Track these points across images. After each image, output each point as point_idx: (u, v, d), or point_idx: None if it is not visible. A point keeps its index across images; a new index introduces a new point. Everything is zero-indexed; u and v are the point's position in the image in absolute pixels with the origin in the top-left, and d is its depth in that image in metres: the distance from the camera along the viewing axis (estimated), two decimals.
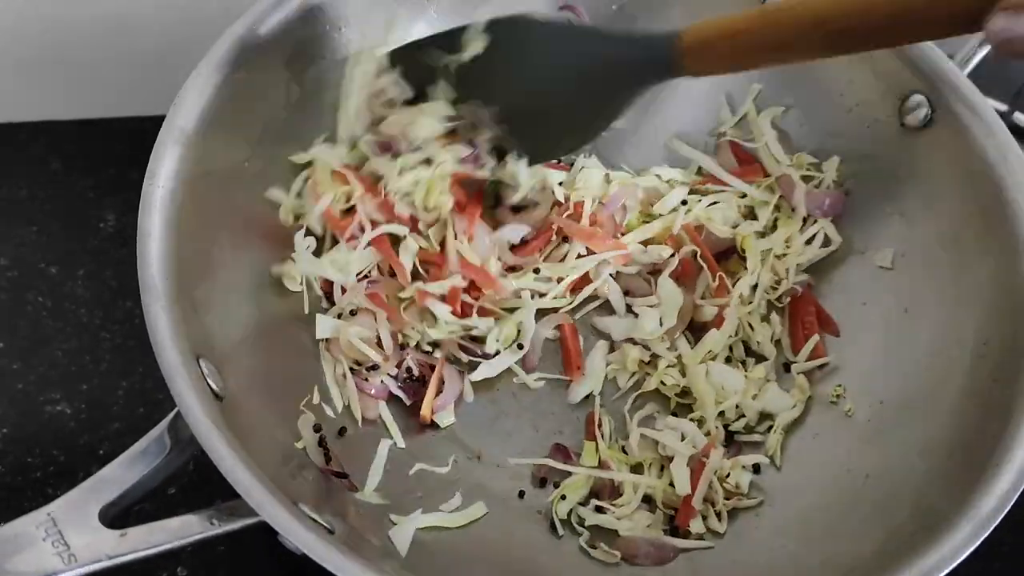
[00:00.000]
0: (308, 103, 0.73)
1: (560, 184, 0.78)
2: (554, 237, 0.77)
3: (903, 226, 0.74)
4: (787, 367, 0.76)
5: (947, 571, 0.55)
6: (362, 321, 0.71)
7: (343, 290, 0.72)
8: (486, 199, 0.74)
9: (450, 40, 0.68)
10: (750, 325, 0.76)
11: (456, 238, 0.72)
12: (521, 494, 0.71)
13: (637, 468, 0.71)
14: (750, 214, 0.80)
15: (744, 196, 0.80)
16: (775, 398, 0.73)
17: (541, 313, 0.76)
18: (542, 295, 0.76)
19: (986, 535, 0.55)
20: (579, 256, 0.76)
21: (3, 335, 0.82)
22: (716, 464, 0.69)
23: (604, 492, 0.70)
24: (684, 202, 0.80)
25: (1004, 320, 0.64)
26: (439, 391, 0.72)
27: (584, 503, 0.70)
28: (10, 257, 0.87)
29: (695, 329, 0.77)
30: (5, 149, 0.93)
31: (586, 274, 0.77)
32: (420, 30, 0.77)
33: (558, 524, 0.69)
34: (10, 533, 0.52)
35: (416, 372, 0.72)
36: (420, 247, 0.72)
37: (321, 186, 0.71)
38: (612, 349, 0.77)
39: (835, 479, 0.68)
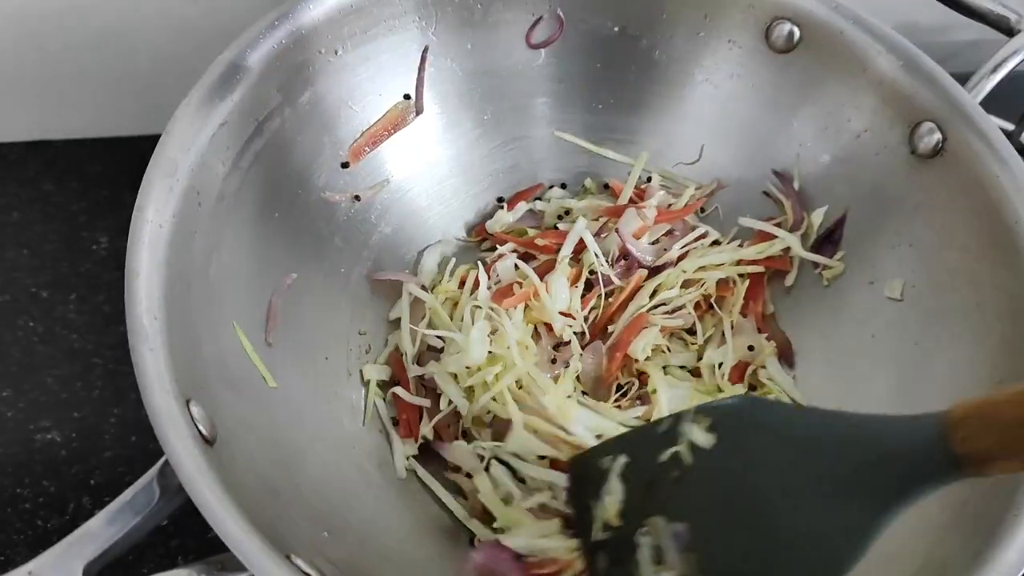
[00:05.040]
0: (303, 129, 0.72)
1: None
2: None
3: (913, 256, 0.72)
4: None
5: None
6: None
7: None
8: None
9: (646, 439, 0.55)
10: None
11: None
12: None
13: None
14: None
15: None
16: None
17: None
18: None
19: None
20: None
21: None
22: None
23: None
24: None
25: (1019, 357, 0.63)
26: None
27: None
28: (1, 280, 0.85)
29: None
30: None
31: None
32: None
33: None
34: None
35: None
36: None
37: None
38: None
39: None
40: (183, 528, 0.73)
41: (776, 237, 0.78)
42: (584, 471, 0.58)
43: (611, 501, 0.56)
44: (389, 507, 0.68)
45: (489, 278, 0.75)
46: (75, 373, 0.81)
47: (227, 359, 0.62)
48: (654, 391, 0.73)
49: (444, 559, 0.66)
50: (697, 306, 0.79)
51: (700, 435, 0.52)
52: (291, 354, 0.69)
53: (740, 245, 0.81)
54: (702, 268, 0.78)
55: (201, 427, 0.53)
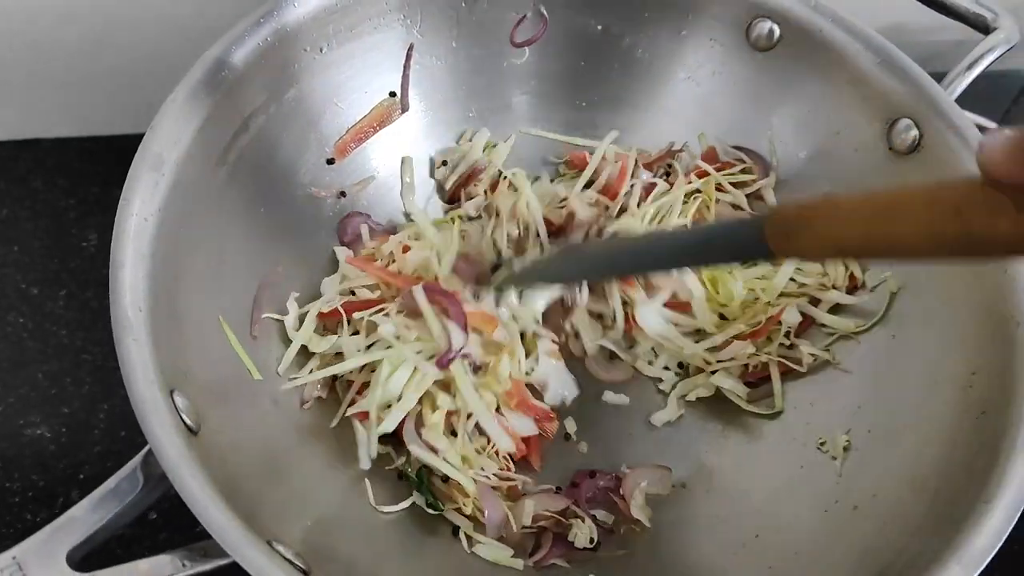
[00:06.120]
0: (289, 125, 0.73)
1: None
2: None
3: None
4: None
5: None
6: None
7: None
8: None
9: None
10: None
11: None
12: None
13: None
14: None
15: None
16: None
17: None
18: None
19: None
20: None
21: None
22: None
23: None
24: None
25: (993, 351, 0.63)
26: None
27: None
28: None
29: None
30: None
31: None
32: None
33: None
34: None
35: None
36: None
37: None
38: None
39: (822, 511, 0.67)
40: (171, 522, 0.73)
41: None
42: None
43: None
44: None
45: None
46: (64, 369, 0.81)
47: (212, 351, 0.63)
48: None
49: (429, 548, 0.67)
50: None
51: None
52: (276, 347, 0.70)
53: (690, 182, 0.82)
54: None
55: (185, 417, 0.54)
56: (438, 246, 0.74)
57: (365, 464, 0.69)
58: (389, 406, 0.68)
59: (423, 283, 0.70)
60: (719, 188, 0.80)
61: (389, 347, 0.68)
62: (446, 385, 0.69)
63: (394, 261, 0.76)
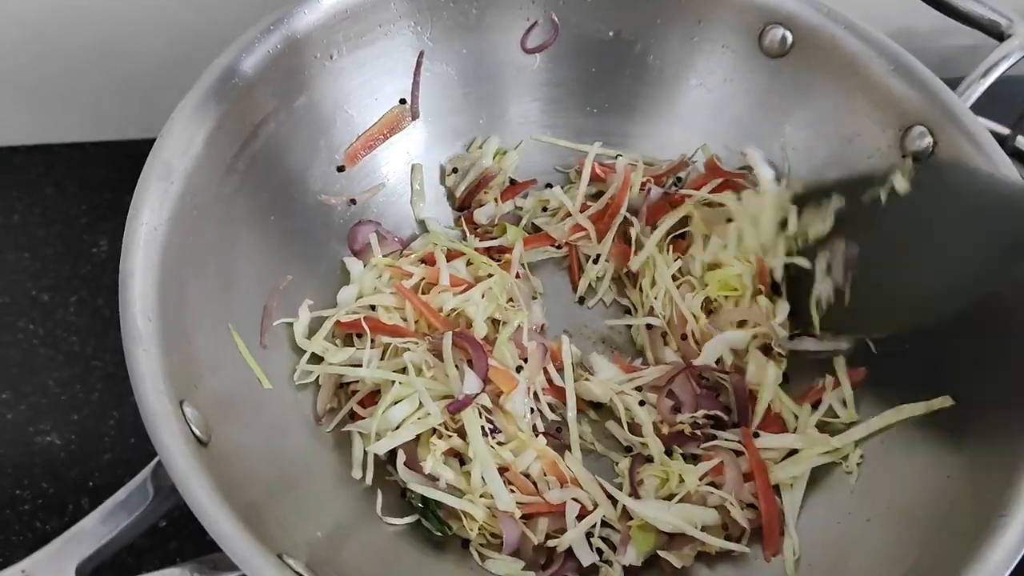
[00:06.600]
0: (299, 133, 0.72)
1: None
2: None
3: None
4: None
5: None
6: None
7: None
8: None
9: (862, 184, 0.67)
10: None
11: None
12: None
13: None
14: None
15: None
16: None
17: None
18: None
19: None
20: None
21: None
22: None
23: None
24: None
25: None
26: None
27: None
28: (1, 283, 0.86)
29: None
30: None
31: None
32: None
33: None
34: None
35: None
36: None
37: None
38: None
39: (835, 522, 0.66)
40: (181, 531, 0.73)
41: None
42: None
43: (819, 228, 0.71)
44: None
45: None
46: (75, 376, 0.81)
47: (222, 360, 0.63)
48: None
49: (440, 561, 0.67)
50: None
51: (901, 183, 0.65)
52: (286, 356, 0.70)
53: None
54: None
55: (195, 428, 0.54)
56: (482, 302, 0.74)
57: (356, 474, 0.69)
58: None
59: (456, 330, 0.70)
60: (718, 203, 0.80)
61: (403, 369, 0.68)
62: (461, 434, 0.68)
63: (424, 281, 0.76)
